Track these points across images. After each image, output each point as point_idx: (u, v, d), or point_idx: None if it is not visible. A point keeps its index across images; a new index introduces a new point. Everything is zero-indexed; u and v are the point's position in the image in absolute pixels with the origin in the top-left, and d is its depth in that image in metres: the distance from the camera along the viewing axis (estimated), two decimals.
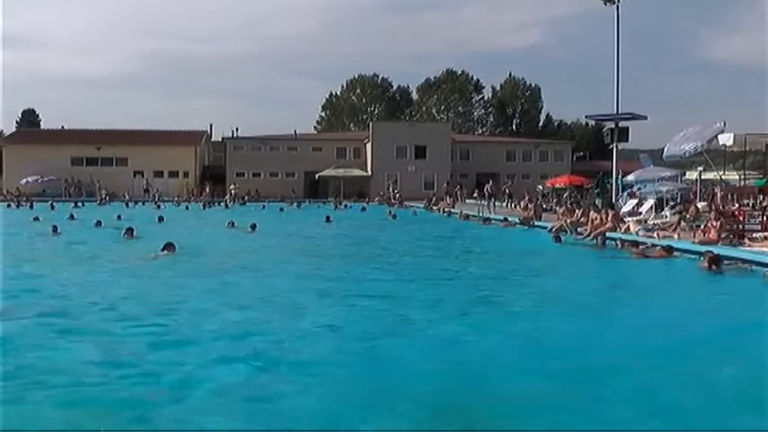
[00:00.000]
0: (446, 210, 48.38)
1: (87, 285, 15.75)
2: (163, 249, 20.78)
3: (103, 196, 65.99)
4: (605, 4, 38.43)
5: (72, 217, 36.49)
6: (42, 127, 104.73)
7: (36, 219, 37.24)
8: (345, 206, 57.16)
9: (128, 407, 7.45)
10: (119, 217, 37.09)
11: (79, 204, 55.75)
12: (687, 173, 43.72)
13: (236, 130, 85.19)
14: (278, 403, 7.69)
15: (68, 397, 7.71)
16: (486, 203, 44.43)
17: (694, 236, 22.64)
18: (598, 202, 34.62)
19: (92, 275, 17.38)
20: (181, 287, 15.54)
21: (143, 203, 61.33)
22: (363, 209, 53.97)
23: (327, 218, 39.15)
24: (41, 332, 10.82)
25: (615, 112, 37.11)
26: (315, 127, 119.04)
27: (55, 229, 29.12)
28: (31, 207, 51.98)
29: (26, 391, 7.80)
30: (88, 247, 24.78)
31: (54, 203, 53.98)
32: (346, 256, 22.53)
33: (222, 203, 60.67)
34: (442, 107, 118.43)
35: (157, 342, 10.21)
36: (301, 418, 7.19)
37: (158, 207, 55.61)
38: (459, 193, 59.44)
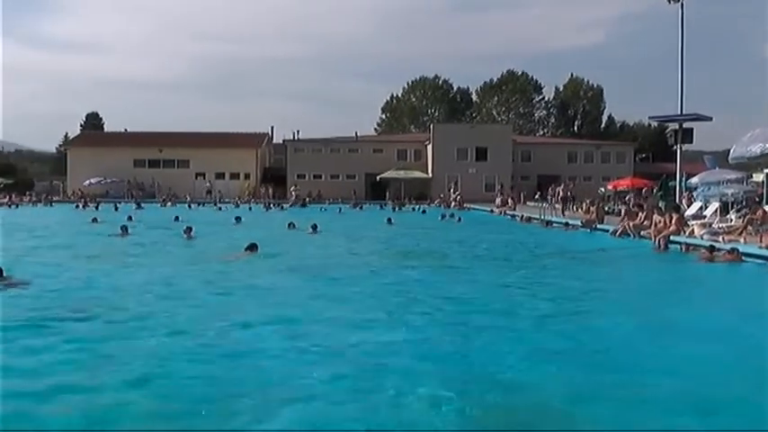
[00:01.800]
0: (507, 212, 48.15)
1: (185, 284, 16.17)
2: (246, 249, 21.29)
3: (166, 198, 67.07)
4: (669, 3, 38.02)
5: (130, 218, 37.12)
6: (105, 130, 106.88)
7: (94, 220, 38.11)
8: (407, 208, 57.29)
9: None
10: (176, 218, 37.71)
11: (142, 206, 56.72)
12: (753, 175, 42.91)
13: (297, 132, 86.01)
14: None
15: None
16: (547, 206, 44.05)
17: (761, 240, 22.27)
18: (661, 204, 34.20)
19: (186, 274, 17.81)
20: (271, 286, 16.02)
21: (203, 205, 62.17)
22: (423, 211, 54.14)
23: (389, 220, 39.27)
24: (167, 330, 11.02)
25: (679, 112, 36.64)
26: (375, 129, 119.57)
27: (125, 229, 29.62)
28: (97, 208, 53.38)
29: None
30: (167, 246, 25.64)
31: (117, 205, 55.14)
32: (417, 259, 22.40)
33: (281, 205, 61.13)
34: (503, 108, 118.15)
35: (285, 341, 10.44)
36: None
37: (219, 209, 56.52)
38: (519, 195, 59.22)
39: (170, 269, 18.68)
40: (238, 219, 38.24)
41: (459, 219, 42.75)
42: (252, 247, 21.45)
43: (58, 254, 22.74)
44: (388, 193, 72.81)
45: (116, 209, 50.32)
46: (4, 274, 15.22)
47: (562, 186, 51.20)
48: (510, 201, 54.91)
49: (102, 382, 8.25)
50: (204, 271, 18.25)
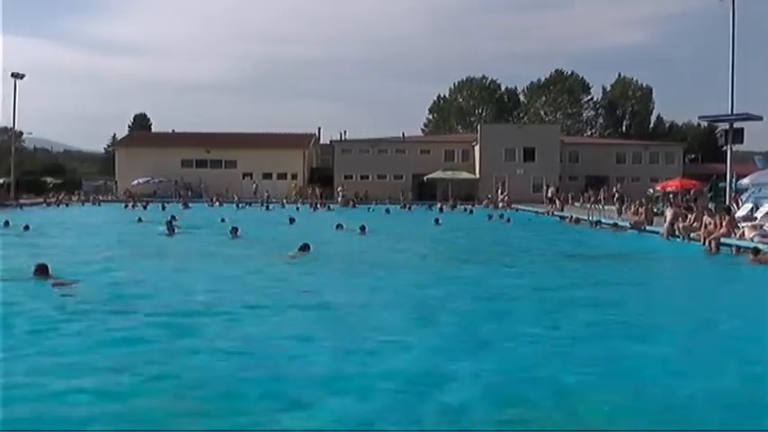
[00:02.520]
0: (555, 213, 48.03)
1: (246, 282, 16.63)
2: (300, 249, 21.68)
3: (213, 198, 67.71)
4: (720, 0, 37.68)
5: (174, 218, 37.50)
6: (153, 130, 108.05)
7: (139, 219, 38.93)
8: (456, 209, 57.38)
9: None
10: (222, 220, 38.11)
11: (189, 206, 57.56)
12: None
13: (344, 132, 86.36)
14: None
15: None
16: (597, 207, 43.78)
17: None
18: (711, 206, 33.94)
19: (243, 273, 18.17)
20: (324, 284, 16.45)
21: (250, 205, 62.62)
22: (471, 212, 54.19)
23: (436, 220, 39.46)
24: (238, 329, 11.33)
25: (729, 112, 36.26)
26: (422, 129, 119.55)
27: (172, 228, 30.29)
28: (145, 208, 54.35)
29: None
30: (216, 246, 25.98)
31: (165, 205, 55.87)
32: (467, 259, 22.71)
33: (328, 206, 61.61)
34: (551, 108, 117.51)
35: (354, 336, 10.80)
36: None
37: (267, 209, 57.04)
38: (567, 196, 59.01)
39: (225, 268, 19.06)
40: (292, 220, 38.60)
41: (509, 219, 42.80)
42: (305, 247, 21.84)
43: (106, 253, 23.26)
44: (435, 194, 72.99)
45: (163, 208, 50.99)
46: (51, 273, 15.63)
47: (617, 187, 50.96)
48: (558, 201, 54.78)
49: (153, 378, 8.50)
50: (259, 270, 18.70)
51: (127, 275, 17.41)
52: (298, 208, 58.17)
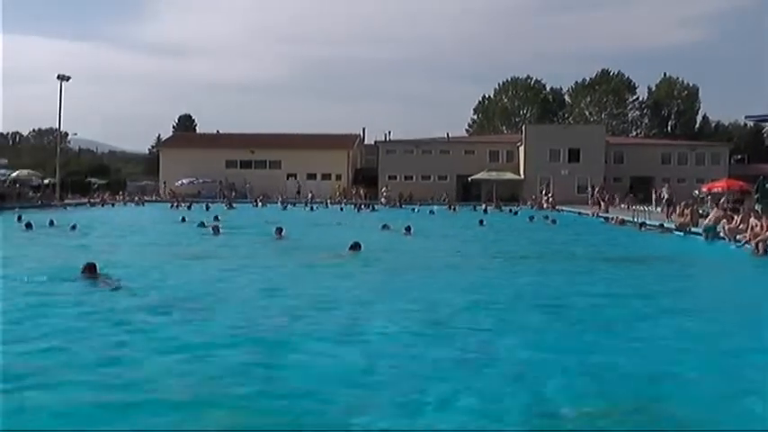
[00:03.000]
0: (600, 214, 47.98)
1: (294, 281, 16.79)
2: (350, 249, 22.04)
3: (258, 198, 68.25)
4: None
5: (216, 218, 38.17)
6: (198, 131, 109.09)
7: (183, 219, 39.39)
8: (500, 210, 57.53)
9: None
10: (268, 222, 37.66)
11: (234, 206, 58.10)
12: None
13: (389, 133, 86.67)
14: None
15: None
16: (643, 208, 43.52)
17: None
18: (758, 207, 33.70)
19: (299, 272, 18.49)
20: (377, 283, 16.90)
21: (294, 205, 63.13)
22: (516, 213, 54.17)
23: (481, 221, 39.66)
24: (301, 329, 11.35)
25: None
26: (466, 130, 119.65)
27: (217, 229, 30.76)
28: (189, 208, 54.98)
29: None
30: (262, 246, 26.28)
31: (209, 205, 56.66)
32: (512, 260, 22.83)
33: (372, 206, 61.72)
34: (596, 109, 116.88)
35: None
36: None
37: (311, 209, 57.57)
38: (613, 197, 58.80)
39: (278, 267, 19.37)
40: (339, 223, 38.72)
41: (555, 221, 42.65)
42: (355, 246, 22.17)
43: (152, 252, 23.82)
44: (480, 195, 73.16)
45: (207, 209, 51.74)
46: (99, 271, 15.87)
47: (666, 188, 50.65)
48: (602, 203, 54.64)
49: (204, 376, 8.60)
50: (311, 269, 19.03)
51: (175, 275, 17.71)
52: (342, 209, 58.67)
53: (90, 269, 15.85)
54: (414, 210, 55.97)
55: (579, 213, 50.83)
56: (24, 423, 7.05)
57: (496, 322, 12.02)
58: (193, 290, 15.16)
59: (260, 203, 64.80)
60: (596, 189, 61.96)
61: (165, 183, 78.31)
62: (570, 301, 14.24)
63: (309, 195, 70.46)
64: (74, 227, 32.66)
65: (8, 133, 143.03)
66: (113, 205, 64.45)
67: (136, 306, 13.09)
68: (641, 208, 44.15)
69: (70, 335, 10.69)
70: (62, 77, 69.69)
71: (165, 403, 7.56)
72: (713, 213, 30.61)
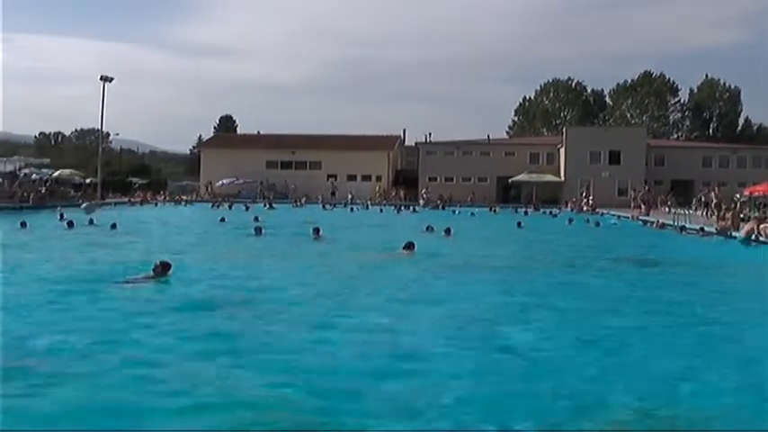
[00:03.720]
0: (640, 217, 47.95)
1: (363, 280, 17.32)
2: (404, 249, 22.38)
3: (298, 199, 68.81)
4: None
5: (256, 218, 38.41)
6: (239, 132, 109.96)
7: (222, 219, 39.71)
8: (539, 212, 57.66)
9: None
10: (306, 222, 37.69)
11: (274, 206, 58.52)
12: None
13: (429, 134, 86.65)
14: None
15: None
16: (683, 212, 43.34)
17: None
18: None
19: (355, 272, 19.01)
20: (430, 283, 17.34)
21: (335, 206, 63.35)
22: (555, 215, 54.28)
23: (519, 224, 39.90)
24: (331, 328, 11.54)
25: None
26: (507, 131, 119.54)
27: (259, 230, 30.87)
28: (230, 208, 55.77)
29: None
30: (304, 246, 26.65)
31: (248, 205, 57.21)
32: (551, 263, 22.89)
33: (412, 207, 61.93)
34: (637, 111, 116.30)
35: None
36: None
37: (351, 210, 58.05)
38: (656, 200, 58.48)
39: (332, 266, 19.83)
40: (383, 224, 38.88)
41: (598, 224, 42.88)
42: (409, 246, 22.44)
43: (201, 251, 24.32)
44: (520, 197, 73.33)
45: (246, 209, 52.33)
46: (170, 271, 16.07)
47: (714, 192, 50.39)
48: (643, 206, 54.53)
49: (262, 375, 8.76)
50: (367, 269, 19.50)
51: (220, 274, 18.03)
52: (381, 210, 58.92)
53: (164, 267, 15.96)
54: (455, 212, 56.13)
55: (619, 216, 50.61)
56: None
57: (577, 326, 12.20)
58: (251, 289, 15.45)
59: (301, 204, 65.30)
60: (640, 191, 61.56)
61: (210, 183, 78.95)
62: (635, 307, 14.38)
63: (349, 196, 70.95)
64: (113, 225, 33.19)
65: (50, 133, 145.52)
66: (156, 204, 65.53)
67: (198, 305, 13.37)
68: (683, 211, 43.92)
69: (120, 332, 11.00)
70: (105, 78, 70.72)
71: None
72: (747, 226, 30.56)
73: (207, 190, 73.85)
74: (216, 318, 12.36)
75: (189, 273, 17.40)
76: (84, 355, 9.58)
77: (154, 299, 14.10)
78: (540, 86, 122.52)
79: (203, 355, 9.74)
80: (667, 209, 50.31)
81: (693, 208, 44.77)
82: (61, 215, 37.95)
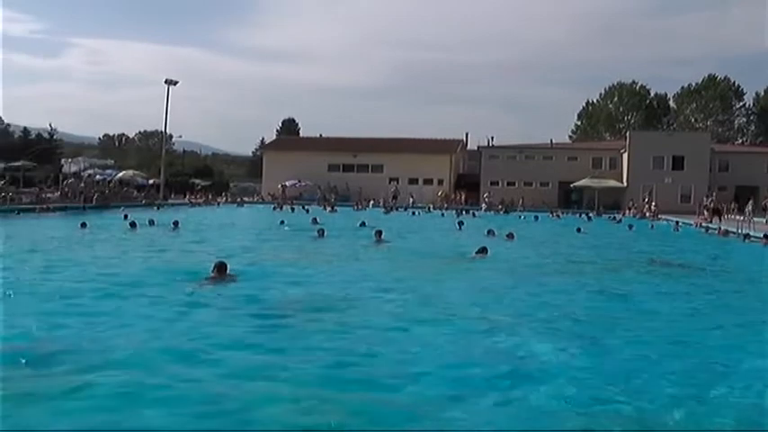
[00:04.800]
0: (702, 224, 47.65)
1: (444, 284, 17.25)
2: (477, 253, 22.90)
3: (359, 202, 69.48)
4: None
5: (315, 220, 38.91)
6: (301, 134, 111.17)
7: (281, 222, 40.05)
8: (609, 217, 57.78)
9: None
10: (362, 224, 38.40)
11: (336, 209, 59.05)
12: None
13: (492, 138, 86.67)
14: None
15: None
16: (750, 219, 42.84)
17: None
18: None
19: (434, 275, 19.00)
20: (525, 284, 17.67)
21: (396, 209, 63.85)
22: (619, 221, 54.24)
23: (578, 229, 40.19)
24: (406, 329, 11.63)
25: None
26: (570, 136, 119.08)
27: (321, 232, 31.15)
28: (293, 210, 56.79)
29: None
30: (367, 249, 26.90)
31: (309, 208, 57.79)
32: (606, 269, 22.81)
33: (472, 212, 61.87)
34: (701, 115, 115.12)
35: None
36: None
37: (413, 214, 58.43)
38: (723, 207, 57.62)
39: (408, 272, 19.65)
40: (461, 224, 38.99)
41: (676, 230, 42.84)
42: (483, 251, 23.01)
43: (260, 253, 24.76)
44: (582, 202, 73.24)
45: (307, 211, 52.86)
46: (229, 271, 16.20)
47: None
48: (705, 212, 54.00)
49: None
50: (447, 272, 19.68)
51: (290, 275, 18.13)
52: (443, 214, 58.88)
53: (221, 269, 16.09)
54: (520, 216, 56.16)
55: (682, 223, 50.20)
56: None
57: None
58: (324, 293, 15.53)
59: (364, 207, 65.77)
60: (711, 200, 60.73)
61: (280, 186, 79.41)
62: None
63: (410, 200, 71.32)
64: (176, 223, 34.39)
65: (114, 135, 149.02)
66: (219, 205, 66.95)
67: (271, 305, 13.59)
68: (748, 219, 43.37)
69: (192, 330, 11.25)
70: (170, 82, 72.66)
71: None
72: None
73: (282, 192, 74.64)
74: (292, 318, 12.52)
75: (252, 274, 17.45)
76: (144, 353, 9.71)
77: (217, 299, 14.24)
78: (605, 90, 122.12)
79: (272, 355, 9.89)
80: (735, 216, 49.58)
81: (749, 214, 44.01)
82: (125, 215, 39.09)
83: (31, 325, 11.04)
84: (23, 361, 9.11)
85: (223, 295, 14.56)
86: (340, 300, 14.59)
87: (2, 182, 52.18)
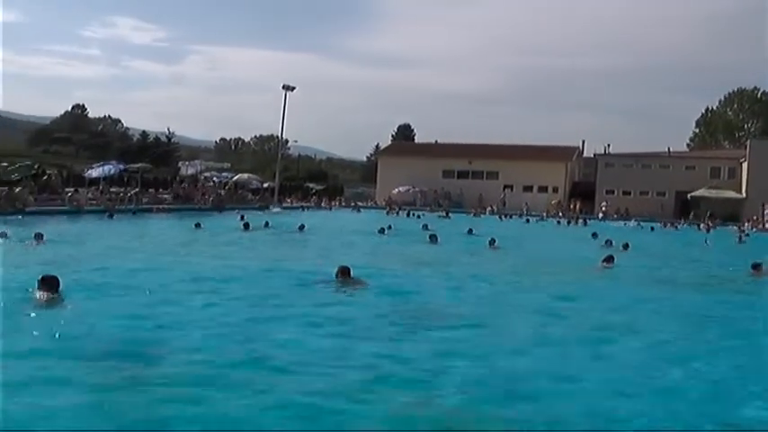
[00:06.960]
0: None
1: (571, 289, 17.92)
2: (603, 261, 23.61)
3: (478, 208, 69.91)
4: None
5: (426, 227, 39.43)
6: (416, 140, 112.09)
7: (388, 227, 39.70)
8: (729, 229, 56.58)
9: None
10: (469, 230, 38.75)
11: (449, 215, 58.94)
12: None
13: (608, 146, 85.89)
14: None
15: None
16: None
17: None
18: None
19: (564, 285, 19.16)
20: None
21: (511, 217, 63.84)
22: (747, 234, 52.61)
23: (705, 241, 40.09)
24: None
25: None
26: (687, 144, 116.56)
27: (434, 237, 31.72)
28: (408, 215, 57.81)
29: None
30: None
31: (420, 214, 58.40)
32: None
33: (585, 220, 60.54)
34: None
35: None
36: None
37: (527, 221, 58.67)
38: None
39: (532, 281, 20.11)
40: (595, 234, 38.63)
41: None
42: (609, 260, 23.77)
43: (372, 257, 25.29)
44: (699, 214, 71.83)
45: (418, 217, 53.79)
46: (352, 275, 16.49)
47: None
48: None
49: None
50: (577, 283, 20.03)
51: (408, 281, 18.51)
52: (558, 222, 59.11)
53: (344, 272, 16.44)
54: (639, 225, 55.59)
55: None
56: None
57: None
58: (459, 299, 16.24)
59: (480, 213, 66.23)
60: None
61: (395, 192, 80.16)
62: None
63: (524, 208, 71.49)
64: (302, 227, 35.66)
65: (230, 139, 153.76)
66: (331, 209, 68.55)
67: (392, 309, 13.97)
68: None
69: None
70: (287, 87, 74.40)
71: None
72: None
73: (380, 197, 75.31)
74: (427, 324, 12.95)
75: (372, 277, 17.43)
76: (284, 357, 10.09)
77: (342, 303, 14.80)
78: (724, 97, 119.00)
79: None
80: None
81: None
82: (242, 216, 40.60)
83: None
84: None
85: (344, 299, 15.24)
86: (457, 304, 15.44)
87: (132, 189, 54.23)
